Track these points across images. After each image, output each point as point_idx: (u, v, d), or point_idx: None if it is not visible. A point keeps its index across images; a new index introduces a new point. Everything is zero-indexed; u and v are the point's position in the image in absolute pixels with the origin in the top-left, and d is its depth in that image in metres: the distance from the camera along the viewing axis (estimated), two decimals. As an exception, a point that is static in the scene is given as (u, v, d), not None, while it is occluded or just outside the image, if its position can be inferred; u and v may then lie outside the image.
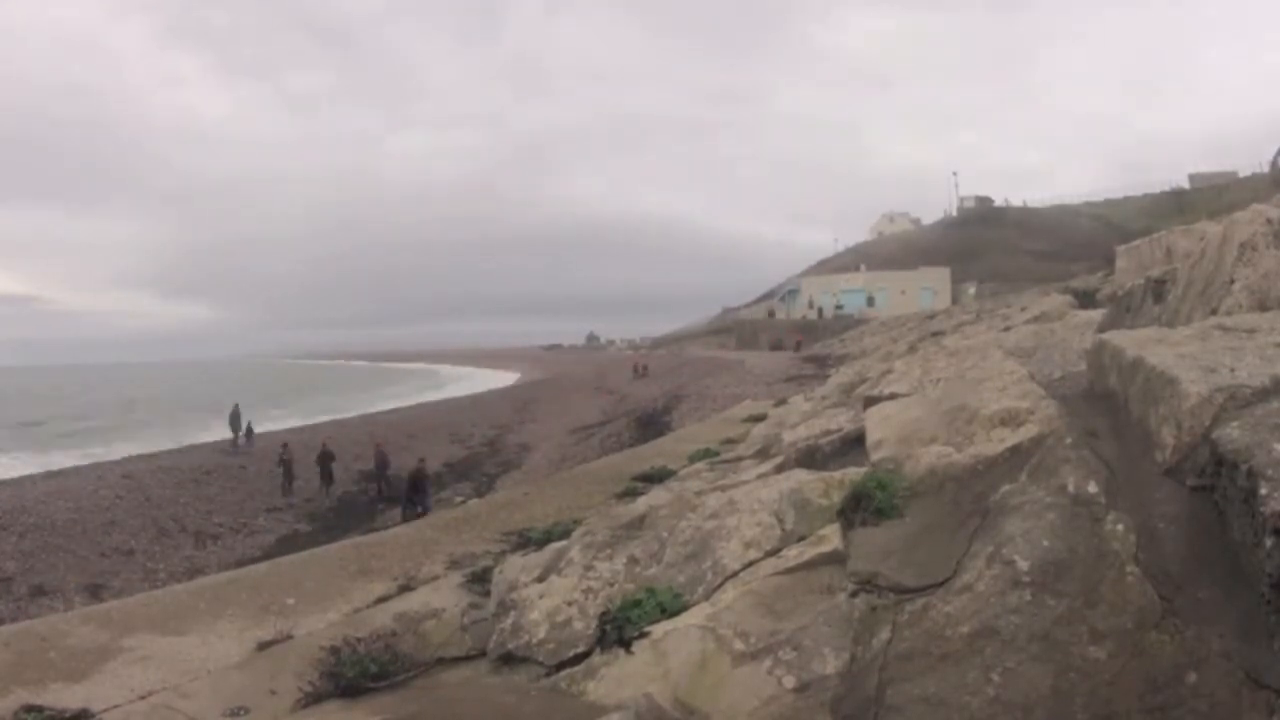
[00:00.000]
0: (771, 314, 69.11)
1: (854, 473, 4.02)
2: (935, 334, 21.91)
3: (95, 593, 13.71)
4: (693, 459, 9.04)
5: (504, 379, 72.32)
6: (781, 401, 15.70)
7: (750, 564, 3.60)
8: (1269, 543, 2.36)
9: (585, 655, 3.56)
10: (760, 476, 5.08)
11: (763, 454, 7.22)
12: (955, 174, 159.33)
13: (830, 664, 2.89)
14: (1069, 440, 3.45)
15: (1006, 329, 10.78)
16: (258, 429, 30.27)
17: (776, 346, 51.98)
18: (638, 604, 3.56)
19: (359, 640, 4.08)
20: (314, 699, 3.77)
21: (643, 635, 3.39)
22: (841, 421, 6.23)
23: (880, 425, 4.53)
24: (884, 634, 2.93)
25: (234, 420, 29.06)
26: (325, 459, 22.21)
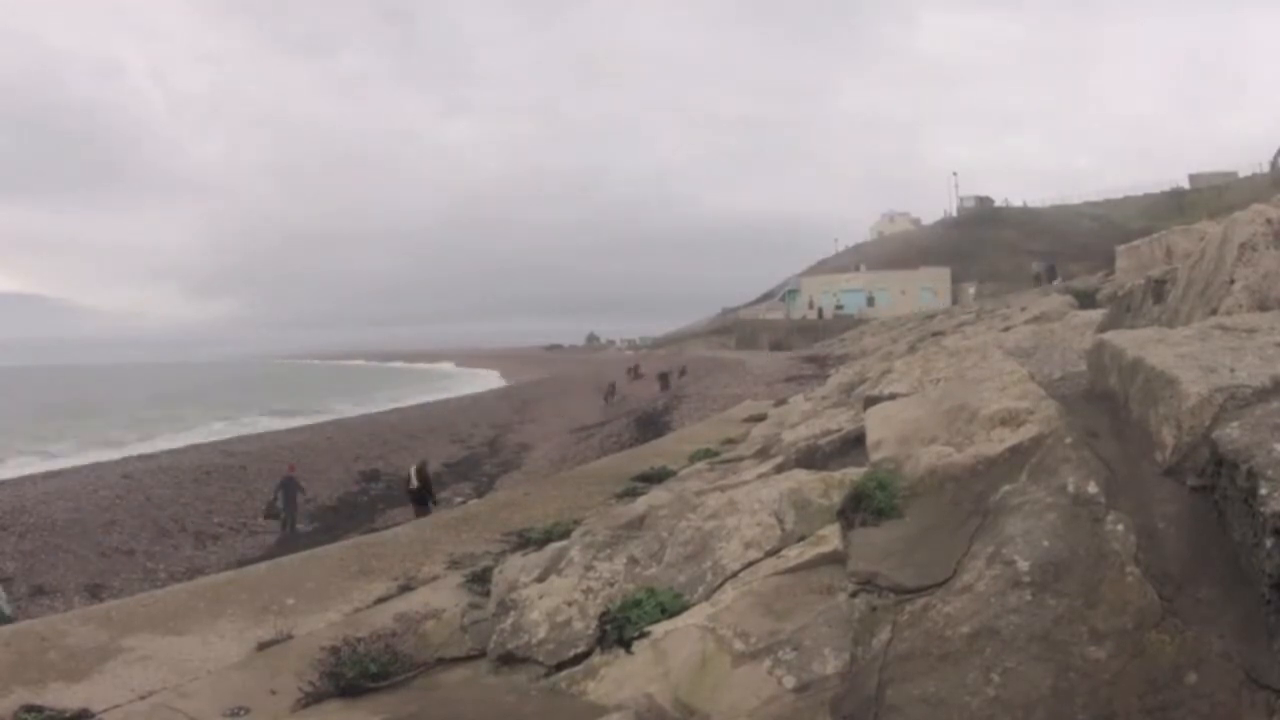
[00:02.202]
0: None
1: (854, 473, 4.02)
2: (935, 334, 21.89)
3: (95, 593, 13.70)
4: (693, 459, 9.04)
5: (504, 379, 72.36)
6: (781, 401, 15.70)
7: (750, 564, 3.60)
8: (1269, 543, 2.36)
9: (585, 655, 3.56)
10: (760, 476, 5.08)
11: (763, 454, 7.22)
12: (955, 174, 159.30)
13: (830, 664, 2.89)
14: (1069, 440, 3.45)
15: (1006, 329, 10.77)
16: (260, 429, 30.44)
17: (777, 347, 51.99)
18: (638, 604, 3.56)
19: (359, 640, 4.08)
20: (314, 699, 3.77)
21: (643, 635, 3.39)
22: (841, 421, 6.23)
23: (880, 425, 4.53)
24: (884, 634, 2.93)
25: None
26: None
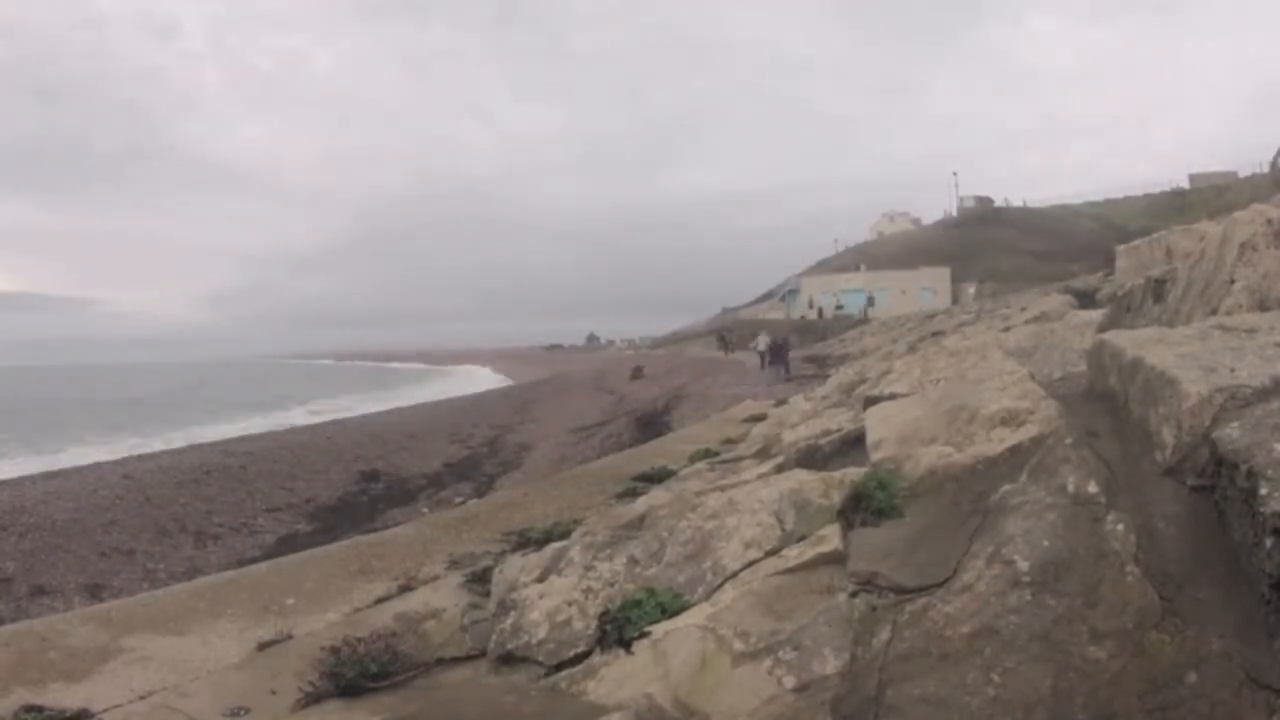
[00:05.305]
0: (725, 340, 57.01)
1: (854, 473, 4.02)
2: (935, 334, 21.89)
3: (95, 593, 13.69)
4: (693, 459, 9.03)
5: (504, 379, 72.42)
6: (781, 401, 15.70)
7: (750, 564, 3.60)
8: (1269, 543, 2.37)
9: (585, 655, 3.56)
10: (760, 476, 5.07)
11: (763, 454, 7.22)
12: (955, 174, 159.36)
13: (830, 664, 2.89)
14: (1069, 440, 3.45)
15: (1006, 329, 10.77)
16: (260, 429, 30.36)
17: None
18: (638, 604, 3.56)
19: (359, 640, 4.08)
20: (314, 699, 3.77)
21: (643, 635, 3.39)
22: (841, 421, 6.22)
23: (880, 425, 4.53)
24: (884, 634, 2.93)
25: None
26: None
